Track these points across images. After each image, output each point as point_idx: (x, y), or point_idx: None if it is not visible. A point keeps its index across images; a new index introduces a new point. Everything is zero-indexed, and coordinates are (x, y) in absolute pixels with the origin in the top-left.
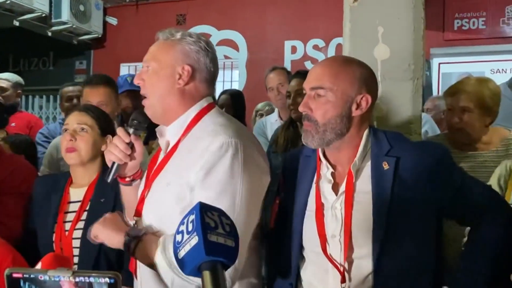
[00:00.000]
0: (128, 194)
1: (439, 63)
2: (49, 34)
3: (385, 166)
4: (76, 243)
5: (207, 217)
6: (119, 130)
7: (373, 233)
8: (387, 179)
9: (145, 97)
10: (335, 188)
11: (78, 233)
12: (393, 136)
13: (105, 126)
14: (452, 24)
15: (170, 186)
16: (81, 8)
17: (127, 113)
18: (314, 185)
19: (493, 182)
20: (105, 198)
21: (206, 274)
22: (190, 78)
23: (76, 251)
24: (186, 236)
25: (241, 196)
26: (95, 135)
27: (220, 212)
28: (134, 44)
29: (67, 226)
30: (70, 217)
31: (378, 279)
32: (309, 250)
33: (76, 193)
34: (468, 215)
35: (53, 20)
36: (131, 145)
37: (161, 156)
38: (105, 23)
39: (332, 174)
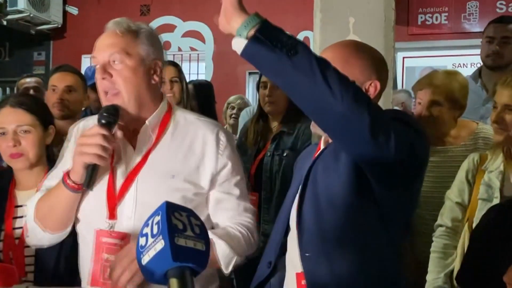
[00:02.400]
0: (74, 202)
1: (403, 57)
2: (4, 23)
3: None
4: (30, 251)
5: (174, 218)
6: (95, 127)
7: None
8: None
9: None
10: None
11: None
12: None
13: (45, 117)
14: (416, 19)
15: (177, 178)
16: None
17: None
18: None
19: (460, 176)
20: None
21: (173, 282)
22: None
23: (29, 260)
24: (150, 240)
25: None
26: (39, 133)
27: (189, 212)
28: (96, 35)
29: (17, 233)
30: (20, 223)
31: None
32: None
33: (24, 196)
34: None
35: (8, 8)
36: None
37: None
38: (65, 12)
39: None
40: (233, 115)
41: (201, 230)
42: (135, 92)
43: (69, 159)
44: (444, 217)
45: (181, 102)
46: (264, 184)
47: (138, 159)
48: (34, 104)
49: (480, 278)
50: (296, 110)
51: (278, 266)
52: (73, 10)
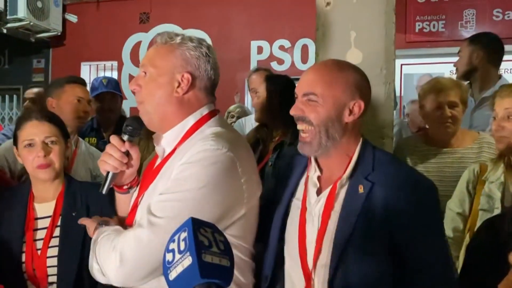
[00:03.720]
0: (124, 203)
1: (401, 64)
2: (4, 31)
3: (360, 189)
4: (52, 261)
5: (200, 234)
6: (113, 138)
7: (332, 252)
8: (357, 203)
9: (140, 103)
10: (319, 192)
11: (52, 251)
12: (380, 156)
13: (66, 130)
14: (413, 27)
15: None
16: (39, 4)
17: (104, 115)
18: (302, 186)
19: (461, 187)
20: (77, 211)
21: None
22: (189, 86)
23: (52, 270)
24: (178, 256)
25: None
26: (63, 145)
27: (214, 229)
28: (95, 42)
29: (39, 244)
30: (41, 234)
31: None
32: (289, 249)
33: (43, 208)
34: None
35: (8, 17)
36: (127, 153)
37: (158, 163)
38: (64, 20)
39: (318, 178)
40: (233, 124)
41: (225, 246)
42: (156, 102)
43: None
44: (446, 228)
45: None
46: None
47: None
48: (57, 118)
49: None
50: (293, 120)
51: (275, 279)
52: (72, 18)
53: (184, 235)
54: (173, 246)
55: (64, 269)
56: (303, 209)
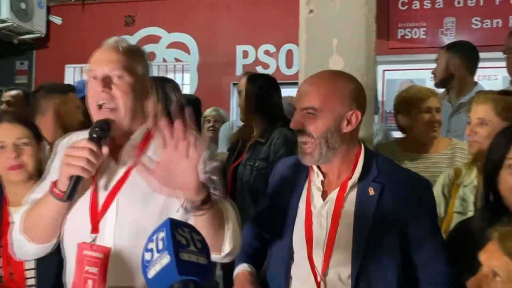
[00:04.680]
0: (60, 212)
1: (384, 70)
2: None
3: (371, 191)
4: (29, 265)
5: (178, 234)
6: (85, 141)
7: (352, 256)
8: (370, 205)
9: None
10: (324, 196)
11: None
12: (383, 161)
13: (38, 132)
14: (396, 33)
15: (157, 195)
16: (22, 5)
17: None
18: (305, 191)
19: (437, 190)
20: None
21: None
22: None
23: (30, 273)
24: (156, 255)
25: None
26: (35, 146)
27: (191, 228)
28: (80, 45)
29: None
30: None
31: None
32: (297, 253)
33: (18, 212)
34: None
35: None
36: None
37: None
38: (48, 22)
39: (322, 182)
40: (210, 128)
41: (203, 245)
42: (131, 109)
43: (55, 173)
44: None
45: (154, 115)
46: (238, 193)
47: (120, 174)
48: (28, 119)
49: None
50: (269, 120)
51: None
52: (56, 19)
53: (162, 234)
54: (152, 245)
55: (42, 272)
56: (308, 213)
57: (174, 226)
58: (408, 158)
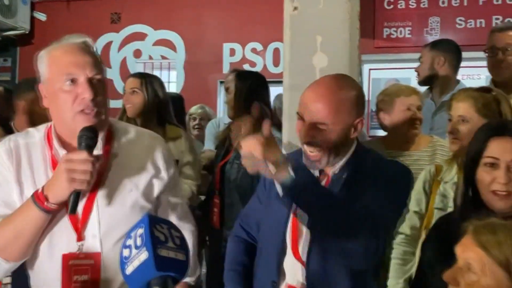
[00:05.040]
0: (44, 225)
1: (370, 69)
2: None
3: (342, 177)
4: None
5: (156, 230)
6: (83, 153)
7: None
8: (339, 187)
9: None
10: None
11: None
12: (371, 156)
13: (9, 133)
14: (381, 32)
15: (133, 192)
16: (6, 1)
17: None
18: None
19: (418, 187)
20: None
21: None
22: None
23: (6, 279)
24: (134, 251)
25: None
26: None
27: (170, 225)
28: None
29: None
30: None
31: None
32: (288, 246)
33: None
34: None
35: None
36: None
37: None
38: (32, 18)
39: (317, 179)
40: (196, 126)
41: (181, 242)
42: (107, 110)
43: (11, 184)
44: (404, 225)
45: (141, 113)
46: (226, 191)
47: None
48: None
49: (430, 285)
50: (257, 118)
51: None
52: (41, 16)
53: (140, 231)
54: (130, 242)
55: (18, 278)
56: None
57: (152, 223)
58: (390, 155)
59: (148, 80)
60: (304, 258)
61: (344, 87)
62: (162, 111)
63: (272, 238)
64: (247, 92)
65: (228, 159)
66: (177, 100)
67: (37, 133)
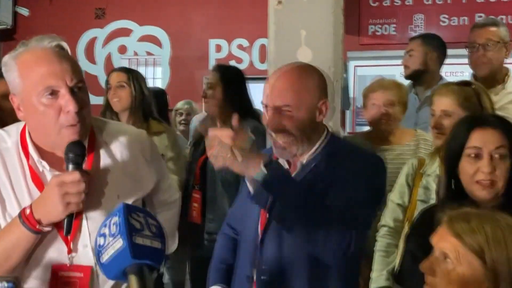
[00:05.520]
0: (35, 242)
1: (355, 66)
2: None
3: (311, 166)
4: None
5: (132, 218)
6: (76, 174)
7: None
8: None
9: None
10: None
11: None
12: (344, 144)
13: None
14: (366, 30)
15: (121, 199)
16: None
17: None
18: None
19: (401, 180)
20: None
21: (132, 278)
22: None
23: None
24: (109, 239)
25: None
26: None
27: (146, 213)
28: None
29: None
30: None
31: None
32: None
33: None
34: None
35: None
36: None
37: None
38: (15, 13)
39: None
40: (182, 121)
41: (158, 229)
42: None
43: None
44: (387, 218)
45: (129, 107)
46: (208, 184)
47: None
48: None
49: (414, 277)
50: (240, 112)
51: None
52: (23, 11)
53: (115, 219)
54: (105, 230)
55: None
56: None
57: (128, 211)
58: (374, 149)
59: (134, 75)
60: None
61: (304, 71)
62: (147, 106)
63: (247, 233)
64: (225, 88)
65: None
66: (160, 95)
67: (8, 137)
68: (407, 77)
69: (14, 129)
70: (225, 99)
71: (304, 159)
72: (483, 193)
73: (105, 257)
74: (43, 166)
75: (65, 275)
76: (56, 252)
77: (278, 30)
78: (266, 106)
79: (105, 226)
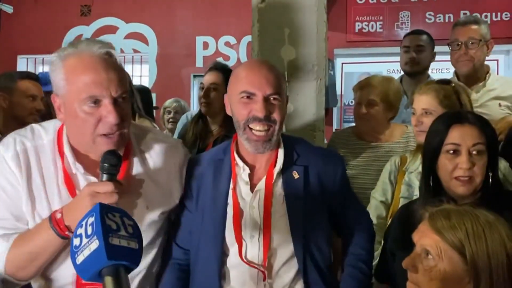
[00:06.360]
0: (60, 248)
1: (342, 63)
2: None
3: (295, 175)
4: None
5: (108, 219)
6: (109, 185)
7: (293, 237)
8: (298, 188)
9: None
10: (252, 188)
11: None
12: (297, 142)
13: None
14: (353, 27)
15: (150, 209)
16: None
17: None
18: (231, 188)
19: (384, 177)
20: None
21: (108, 279)
22: None
23: None
24: (85, 240)
25: None
26: None
27: (122, 213)
28: (33, 35)
29: None
30: None
31: (301, 274)
32: (231, 255)
33: None
34: (344, 227)
35: None
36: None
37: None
38: None
39: (249, 176)
40: (171, 119)
41: (134, 230)
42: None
43: (21, 196)
44: (370, 215)
45: None
46: None
47: None
48: None
49: (394, 274)
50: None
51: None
52: (7, 8)
53: (91, 220)
54: (81, 231)
55: None
56: (236, 209)
57: (104, 211)
58: (361, 146)
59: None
60: (257, 259)
61: (272, 64)
62: (135, 105)
63: (210, 242)
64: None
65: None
66: (144, 93)
67: (45, 134)
68: (411, 73)
69: (51, 126)
70: (218, 101)
71: (276, 170)
72: (461, 189)
73: (80, 259)
74: (77, 169)
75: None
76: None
77: (261, 29)
78: (251, 94)
79: (80, 226)
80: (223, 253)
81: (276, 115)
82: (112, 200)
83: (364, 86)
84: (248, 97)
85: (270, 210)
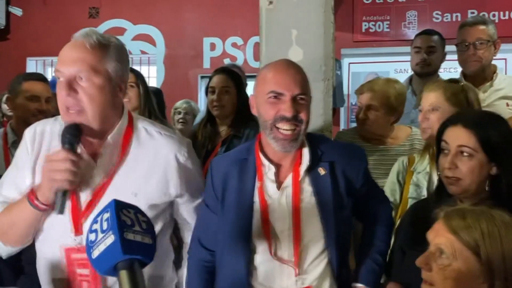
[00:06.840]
0: (38, 218)
1: (349, 63)
2: None
3: (322, 171)
4: None
5: (123, 214)
6: (62, 152)
7: (325, 232)
8: (326, 184)
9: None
10: (278, 187)
11: None
12: (320, 139)
13: None
14: (360, 27)
15: (139, 196)
16: None
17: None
18: (257, 187)
19: (392, 178)
20: None
21: (124, 273)
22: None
23: None
24: (100, 235)
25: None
26: None
27: (136, 209)
28: (42, 37)
29: None
30: None
31: (330, 267)
32: (260, 252)
33: None
34: (365, 216)
35: None
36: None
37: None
38: (8, 13)
39: (275, 174)
40: (181, 120)
41: (148, 225)
42: (100, 110)
43: (26, 170)
44: None
45: (138, 107)
46: None
47: (102, 176)
48: None
49: (404, 272)
50: (243, 114)
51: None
52: (17, 11)
53: (106, 215)
54: (96, 226)
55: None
56: (265, 207)
57: (119, 207)
58: (367, 149)
59: (140, 76)
60: (287, 254)
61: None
62: (151, 106)
63: (238, 240)
64: (244, 95)
65: (216, 152)
66: (157, 95)
67: (59, 124)
68: (423, 74)
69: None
70: (240, 103)
71: (303, 167)
72: (450, 187)
73: (96, 253)
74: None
75: (77, 257)
76: (63, 232)
77: (269, 30)
78: (279, 95)
79: (96, 222)
80: (251, 251)
81: (303, 115)
82: (65, 166)
83: (365, 90)
84: (275, 97)
85: (299, 206)
